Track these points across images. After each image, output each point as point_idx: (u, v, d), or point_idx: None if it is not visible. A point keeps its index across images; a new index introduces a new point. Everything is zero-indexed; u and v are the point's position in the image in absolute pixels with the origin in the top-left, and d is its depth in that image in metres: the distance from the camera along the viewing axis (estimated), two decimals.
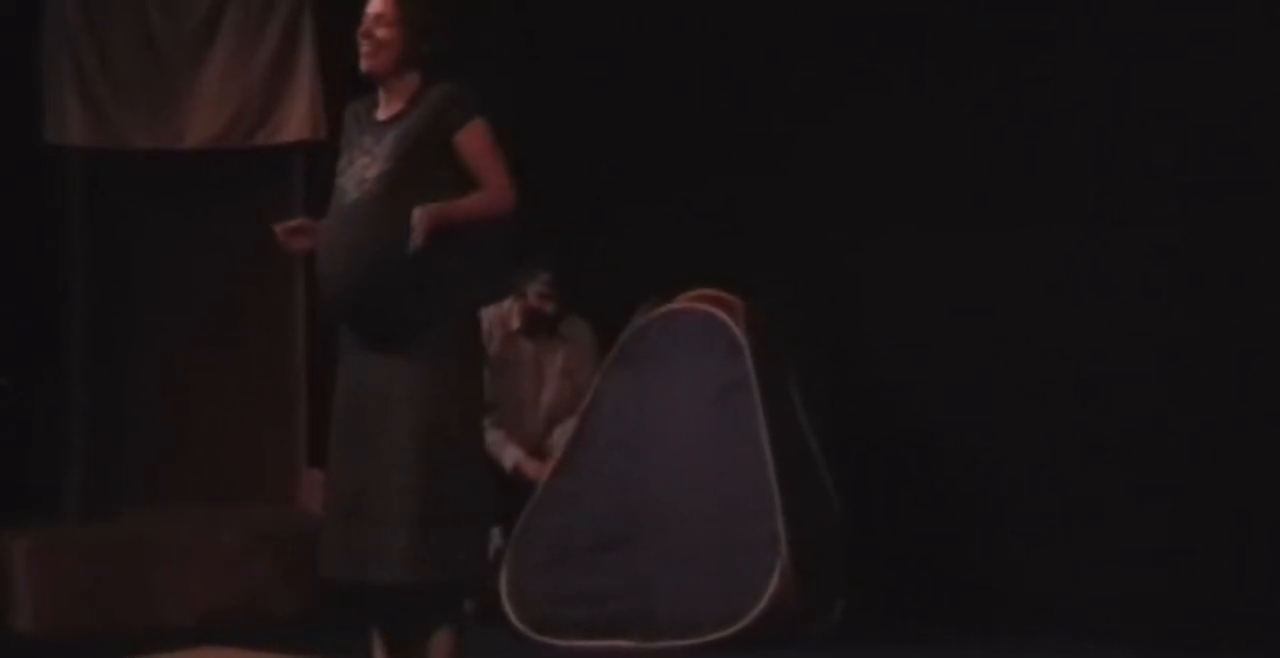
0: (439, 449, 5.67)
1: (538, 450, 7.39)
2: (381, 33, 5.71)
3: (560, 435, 7.36)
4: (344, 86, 6.67)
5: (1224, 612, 6.46)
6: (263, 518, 7.70)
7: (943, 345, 7.18)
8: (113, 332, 7.72)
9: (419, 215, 5.49)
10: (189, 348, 7.84)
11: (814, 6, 7.54)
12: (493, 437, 7.03)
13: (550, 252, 7.42)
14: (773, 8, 7.66)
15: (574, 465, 7.02)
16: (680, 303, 7.17)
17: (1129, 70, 6.77)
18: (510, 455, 7.28)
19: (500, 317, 7.44)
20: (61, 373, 7.63)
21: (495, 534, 6.85)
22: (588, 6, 8.09)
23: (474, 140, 5.68)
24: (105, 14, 7.53)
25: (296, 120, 7.63)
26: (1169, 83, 6.66)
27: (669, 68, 7.84)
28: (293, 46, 7.67)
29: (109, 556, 7.25)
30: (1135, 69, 6.74)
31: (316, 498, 7.48)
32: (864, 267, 7.42)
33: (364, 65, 5.74)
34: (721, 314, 7.04)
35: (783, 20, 7.64)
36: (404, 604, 5.79)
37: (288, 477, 7.94)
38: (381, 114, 5.78)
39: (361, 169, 5.71)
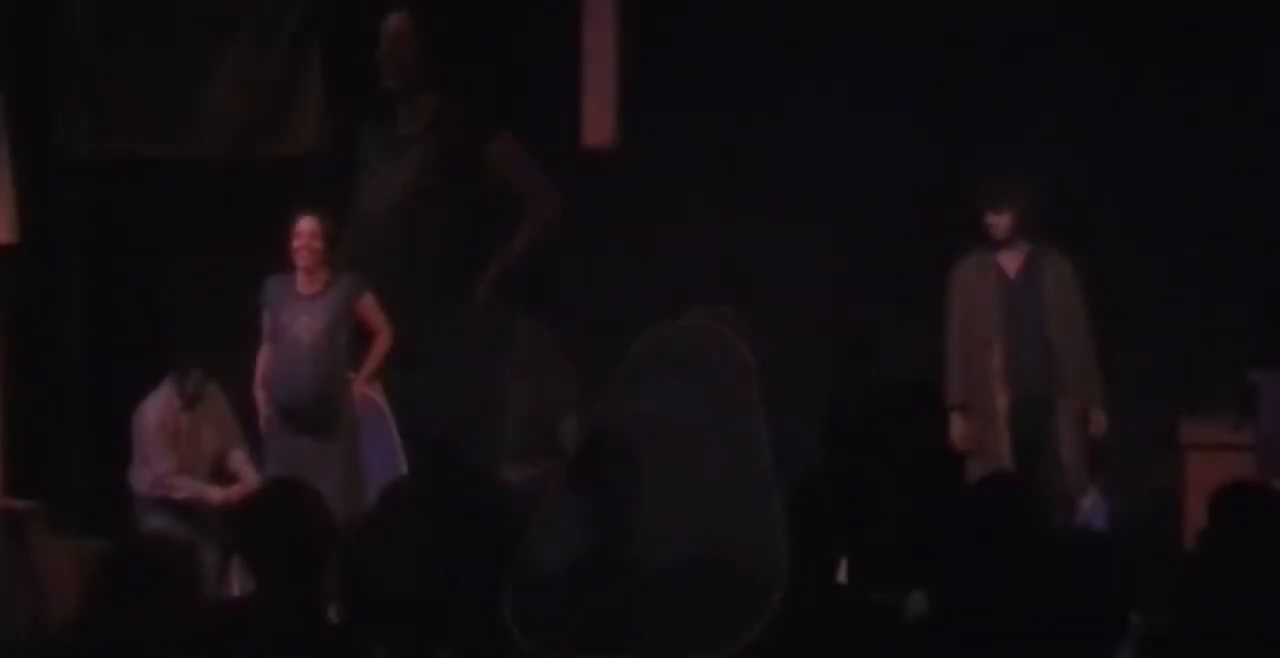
0: None
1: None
2: (402, 51, 5.90)
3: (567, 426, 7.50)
4: (351, 99, 6.71)
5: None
6: None
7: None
8: (114, 341, 7.71)
9: None
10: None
11: (822, 43, 7.58)
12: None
13: None
14: (788, 43, 7.70)
15: (577, 484, 6.98)
16: (688, 322, 7.13)
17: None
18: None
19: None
20: (63, 386, 7.61)
21: None
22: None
23: (504, 152, 5.87)
24: (116, 26, 7.57)
25: (304, 132, 7.60)
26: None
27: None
28: (302, 59, 7.64)
29: None
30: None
31: None
32: (866, 290, 7.42)
33: (387, 83, 5.94)
34: (729, 333, 7.00)
35: (794, 52, 7.68)
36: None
37: None
38: (403, 130, 5.93)
39: (382, 183, 5.83)
